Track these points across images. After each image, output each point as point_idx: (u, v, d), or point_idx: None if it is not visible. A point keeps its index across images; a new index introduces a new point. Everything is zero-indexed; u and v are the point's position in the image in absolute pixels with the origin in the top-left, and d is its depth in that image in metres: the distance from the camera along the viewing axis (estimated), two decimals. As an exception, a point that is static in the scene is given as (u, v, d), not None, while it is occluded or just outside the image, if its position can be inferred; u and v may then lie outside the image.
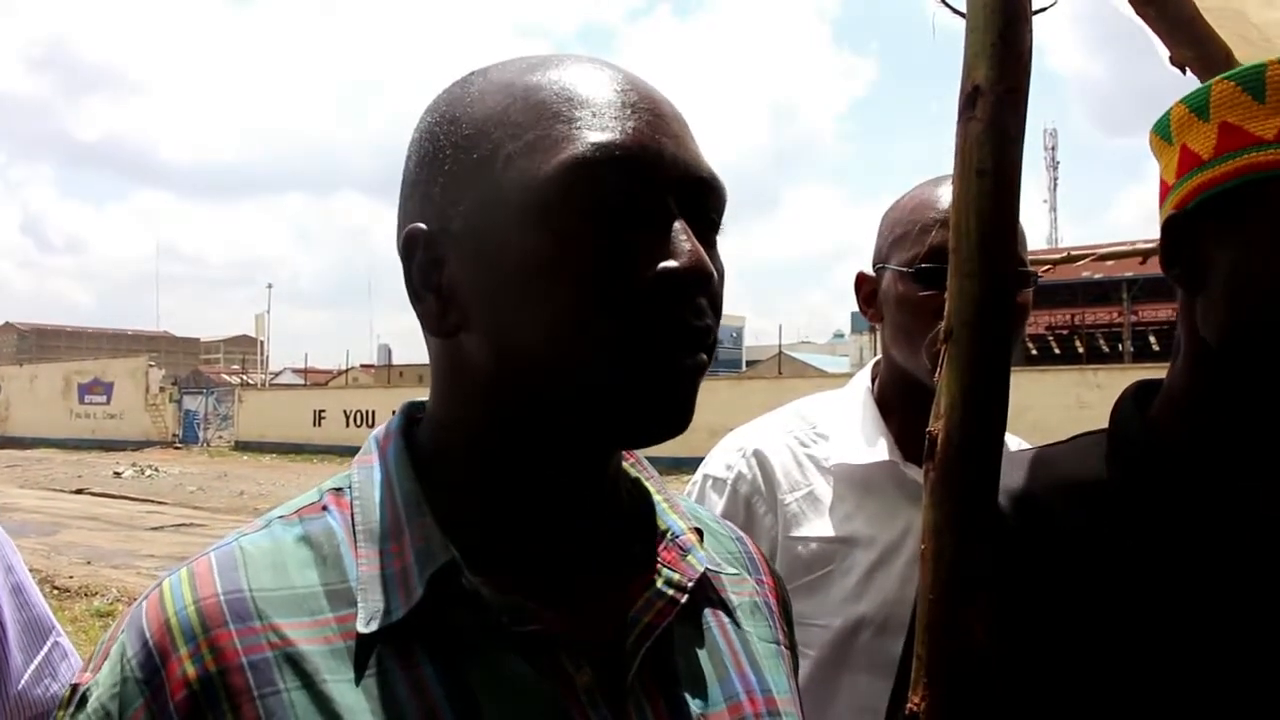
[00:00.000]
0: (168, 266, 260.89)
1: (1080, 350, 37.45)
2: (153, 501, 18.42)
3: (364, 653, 0.69)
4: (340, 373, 49.54)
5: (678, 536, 0.83)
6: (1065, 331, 39.01)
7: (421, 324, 0.77)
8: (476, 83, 0.78)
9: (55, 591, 9.39)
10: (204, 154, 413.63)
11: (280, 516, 0.78)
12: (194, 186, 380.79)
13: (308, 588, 0.72)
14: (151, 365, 40.88)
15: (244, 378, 50.85)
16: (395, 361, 51.51)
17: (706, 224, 0.75)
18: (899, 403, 1.53)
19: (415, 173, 0.78)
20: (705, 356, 0.73)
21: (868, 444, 1.49)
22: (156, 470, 25.34)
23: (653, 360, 0.70)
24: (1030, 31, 0.98)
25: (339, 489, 0.80)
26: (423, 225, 0.75)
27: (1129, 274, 30.53)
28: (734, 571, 0.91)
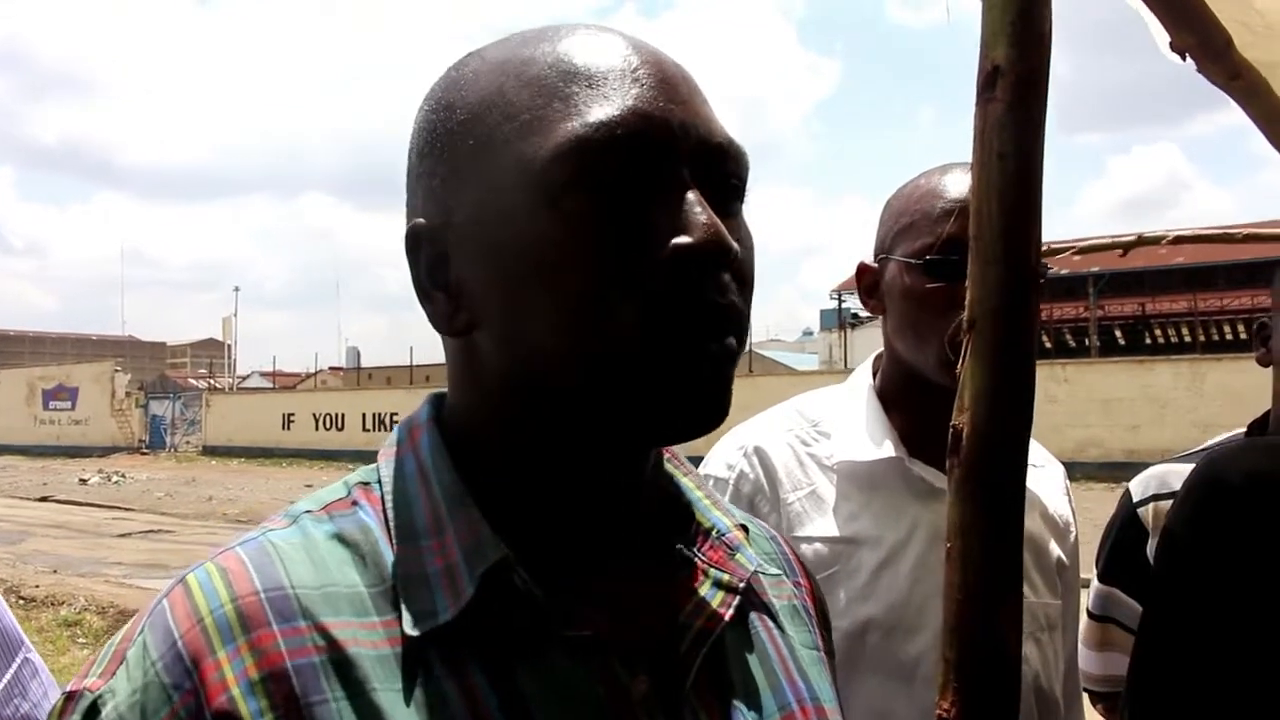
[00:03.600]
0: (132, 270, 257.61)
1: (1047, 345, 37.75)
2: (120, 508, 18.23)
3: (412, 658, 0.64)
4: (309, 375, 49.30)
5: (724, 534, 0.78)
6: (1033, 327, 39.17)
7: (432, 324, 0.71)
8: (471, 64, 0.72)
9: (21, 601, 9.22)
10: (167, 156, 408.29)
11: (308, 511, 0.72)
12: (157, 189, 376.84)
13: (350, 587, 0.66)
14: (117, 370, 40.48)
15: (211, 382, 50.23)
16: (364, 363, 51.24)
17: (727, 192, 0.69)
18: (903, 398, 1.49)
19: (416, 164, 0.73)
20: (735, 341, 0.67)
21: (872, 440, 1.45)
22: (123, 476, 25.09)
23: (674, 346, 0.65)
24: (1050, 11, 0.95)
25: (366, 483, 0.74)
26: (424, 220, 0.71)
27: (1095, 269, 30.79)
28: (775, 573, 0.86)
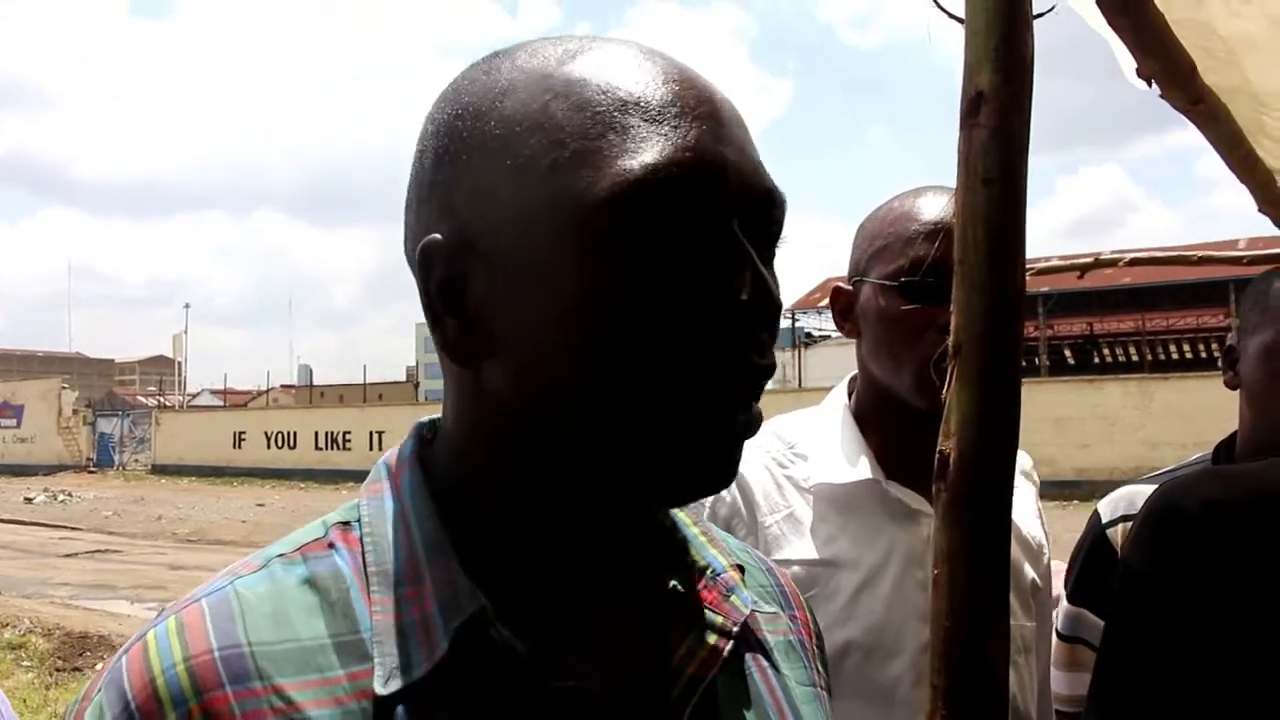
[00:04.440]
0: (80, 286, 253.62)
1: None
2: (66, 528, 17.94)
3: (382, 714, 0.61)
4: (260, 393, 48.79)
5: (719, 574, 0.75)
6: (985, 346, 39.61)
7: (438, 348, 0.67)
8: (503, 70, 0.66)
9: (-37, 624, 9.02)
10: (117, 171, 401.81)
11: (280, 555, 0.67)
12: (107, 204, 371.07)
13: (314, 640, 0.63)
14: (64, 387, 39.95)
15: (161, 399, 49.39)
16: (316, 381, 50.80)
17: (767, 240, 0.66)
18: (878, 419, 1.49)
19: (431, 173, 0.67)
20: (758, 405, 0.66)
21: (849, 462, 1.45)
22: (70, 495, 24.69)
23: (711, 407, 0.62)
24: (1032, 36, 0.95)
25: (346, 523, 0.70)
26: (440, 237, 0.65)
27: (1044, 289, 31.18)
28: (770, 610, 0.83)
